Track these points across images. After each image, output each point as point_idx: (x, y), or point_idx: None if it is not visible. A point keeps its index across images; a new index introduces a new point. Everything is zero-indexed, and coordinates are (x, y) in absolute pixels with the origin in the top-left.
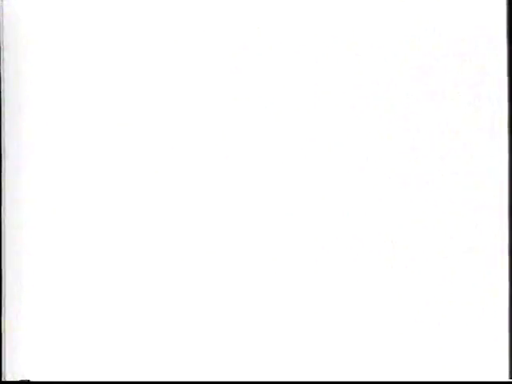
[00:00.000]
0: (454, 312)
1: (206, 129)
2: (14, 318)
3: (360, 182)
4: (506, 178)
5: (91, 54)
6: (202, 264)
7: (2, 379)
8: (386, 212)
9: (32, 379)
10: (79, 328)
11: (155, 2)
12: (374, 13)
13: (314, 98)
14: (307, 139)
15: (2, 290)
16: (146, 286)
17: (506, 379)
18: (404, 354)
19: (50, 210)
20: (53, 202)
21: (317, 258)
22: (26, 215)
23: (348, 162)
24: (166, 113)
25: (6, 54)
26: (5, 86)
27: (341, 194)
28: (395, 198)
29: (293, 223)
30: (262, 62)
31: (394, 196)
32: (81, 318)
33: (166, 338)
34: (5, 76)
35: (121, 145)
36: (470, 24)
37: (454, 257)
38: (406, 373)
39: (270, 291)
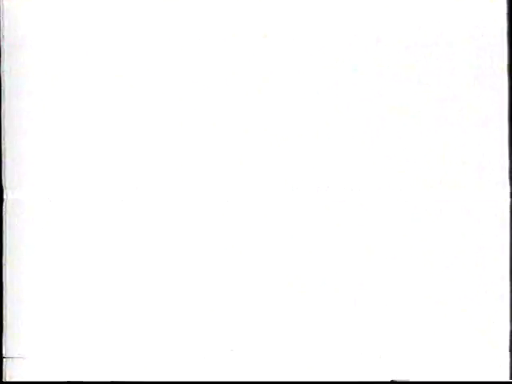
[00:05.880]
0: (455, 312)
1: (206, 129)
2: (14, 316)
3: (360, 182)
4: (506, 177)
5: (90, 55)
6: (201, 265)
7: (3, 379)
8: (386, 212)
9: (34, 379)
10: (80, 328)
11: (154, 3)
12: (373, 13)
13: (313, 102)
14: (307, 139)
15: (2, 289)
16: (145, 285)
17: (507, 379)
18: (405, 354)
19: (50, 210)
20: (53, 202)
21: (316, 259)
22: (27, 215)
23: (344, 159)
24: (165, 113)
25: (5, 55)
26: (5, 84)
27: (340, 193)
28: (396, 199)
29: (292, 224)
30: (262, 62)
31: (395, 197)
32: (81, 318)
33: (164, 338)
34: (5, 75)
35: (120, 145)
36: (470, 23)
37: (455, 257)
38: (407, 372)
39: (269, 292)
